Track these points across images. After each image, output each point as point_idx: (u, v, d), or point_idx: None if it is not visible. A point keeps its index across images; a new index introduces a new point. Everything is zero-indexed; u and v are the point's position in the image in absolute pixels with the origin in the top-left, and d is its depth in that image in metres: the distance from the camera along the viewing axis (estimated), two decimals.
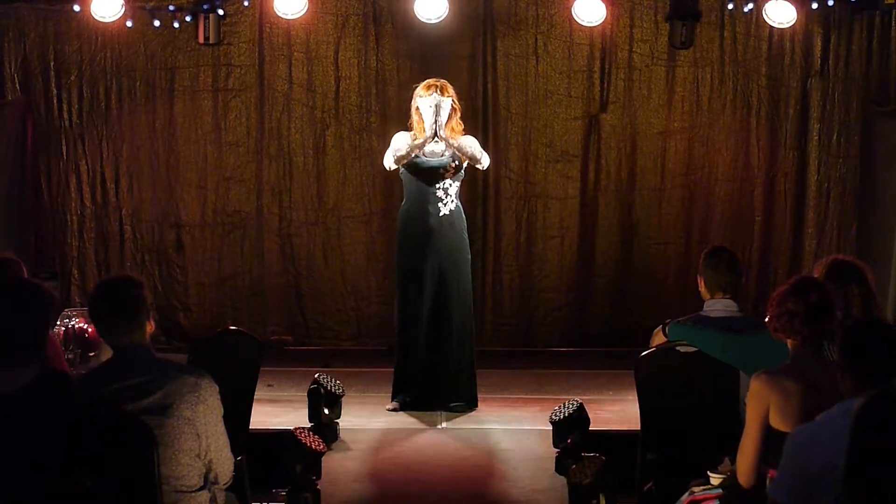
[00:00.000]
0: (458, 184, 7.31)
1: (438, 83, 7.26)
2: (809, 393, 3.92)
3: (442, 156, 7.26)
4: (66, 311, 6.43)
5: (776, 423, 3.96)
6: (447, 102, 7.25)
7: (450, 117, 7.27)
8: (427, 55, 9.09)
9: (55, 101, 9.21)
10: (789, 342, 4.16)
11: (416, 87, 7.34)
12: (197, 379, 3.94)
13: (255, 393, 5.31)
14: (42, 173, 9.26)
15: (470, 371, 7.37)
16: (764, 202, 9.38)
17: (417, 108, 7.27)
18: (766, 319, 4.21)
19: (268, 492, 5.53)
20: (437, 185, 7.24)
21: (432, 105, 7.19)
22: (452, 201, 7.29)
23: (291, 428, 5.80)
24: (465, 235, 7.42)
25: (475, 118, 9.06)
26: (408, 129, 7.38)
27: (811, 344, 4.11)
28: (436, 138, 7.21)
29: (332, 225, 9.38)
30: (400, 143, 7.28)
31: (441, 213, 7.27)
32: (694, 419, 4.99)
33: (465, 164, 7.34)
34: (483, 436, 6.87)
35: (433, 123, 7.16)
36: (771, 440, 3.95)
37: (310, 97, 9.30)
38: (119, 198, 9.31)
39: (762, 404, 4.00)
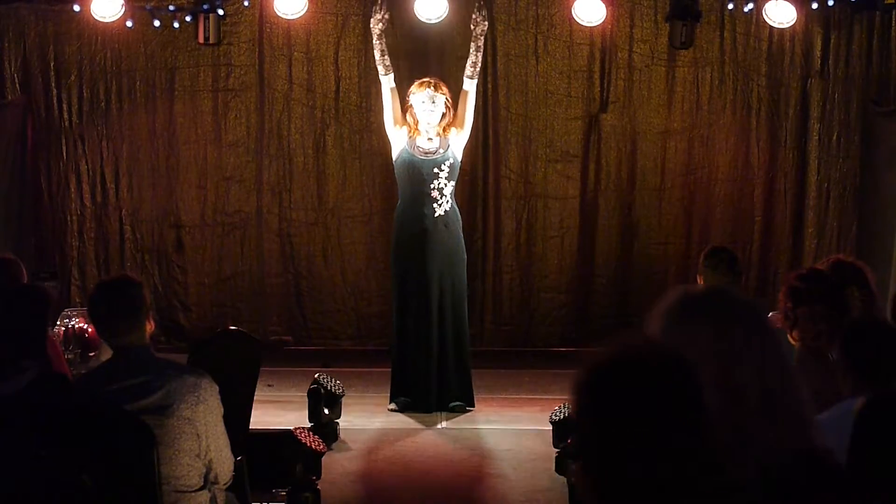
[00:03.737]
0: (453, 183, 7.29)
1: (432, 80, 7.30)
2: (814, 395, 3.91)
3: (436, 154, 7.26)
4: (66, 311, 6.42)
5: None
6: (440, 99, 7.26)
7: (443, 116, 7.28)
8: (427, 55, 9.09)
9: (55, 101, 9.21)
10: (797, 344, 4.14)
11: (411, 84, 7.37)
12: (197, 379, 3.94)
13: (255, 393, 5.31)
14: (42, 173, 9.26)
15: (467, 371, 7.38)
16: (764, 202, 9.38)
17: (411, 106, 7.29)
18: (782, 318, 4.19)
19: (268, 492, 5.53)
20: (432, 186, 7.23)
21: (425, 100, 7.22)
22: (448, 202, 7.27)
23: (291, 428, 5.80)
24: (461, 236, 7.40)
25: (475, 118, 9.03)
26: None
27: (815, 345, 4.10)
28: (429, 134, 7.21)
29: (332, 225, 9.38)
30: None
31: (436, 214, 7.25)
32: None
33: (459, 164, 7.34)
34: (483, 436, 6.88)
35: None
36: None
37: (310, 97, 9.30)
38: (119, 198, 9.31)
39: None
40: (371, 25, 7.41)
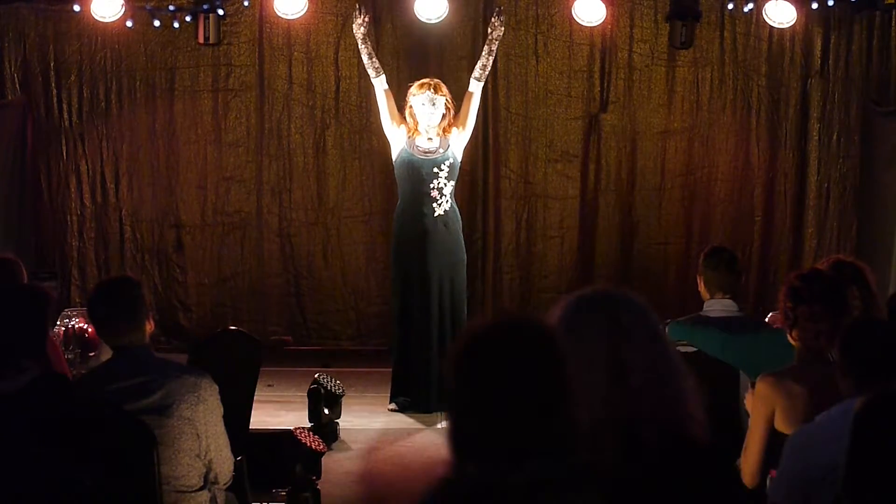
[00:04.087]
0: (452, 183, 7.29)
1: (432, 82, 7.29)
2: (814, 395, 3.91)
3: (436, 154, 7.25)
4: (66, 311, 6.42)
5: (781, 426, 3.95)
6: (441, 101, 7.26)
7: (443, 117, 7.27)
8: (427, 55, 9.09)
9: (55, 101, 9.20)
10: (797, 344, 4.14)
11: (411, 85, 7.36)
12: (197, 379, 3.94)
13: (255, 393, 5.31)
14: (42, 173, 9.25)
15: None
16: (764, 202, 9.37)
17: (411, 107, 7.28)
18: (782, 317, 4.18)
19: (268, 492, 5.53)
20: (432, 185, 7.22)
21: (425, 102, 7.21)
22: (447, 201, 7.26)
23: (291, 428, 5.80)
24: (461, 236, 7.40)
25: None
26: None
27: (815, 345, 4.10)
28: (429, 134, 7.22)
29: (332, 225, 9.38)
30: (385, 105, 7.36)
31: (435, 214, 7.24)
32: None
33: (459, 164, 7.33)
34: None
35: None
36: (775, 441, 3.94)
37: (310, 97, 9.30)
38: (119, 198, 9.31)
39: (768, 407, 3.99)
40: (354, 31, 7.42)
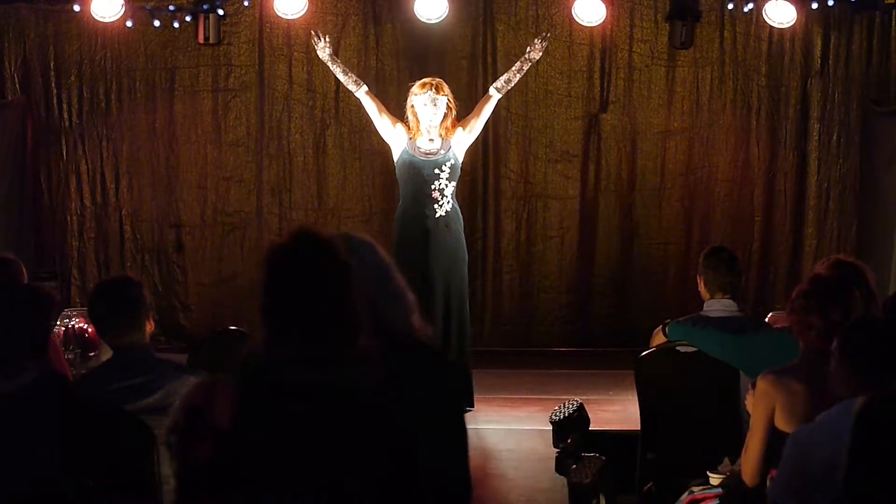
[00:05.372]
0: (454, 184, 7.28)
1: (434, 81, 7.26)
2: (815, 394, 3.91)
3: (437, 155, 7.24)
4: (66, 311, 6.42)
5: (781, 424, 3.95)
6: (442, 101, 7.24)
7: (445, 116, 7.26)
8: (427, 55, 9.09)
9: (55, 101, 9.20)
10: (801, 344, 4.14)
11: (412, 85, 7.35)
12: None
13: None
14: (42, 173, 9.26)
15: (467, 371, 7.36)
16: (764, 202, 9.38)
17: (413, 107, 7.27)
18: (787, 314, 4.19)
19: None
20: (433, 186, 7.21)
21: (427, 103, 7.20)
22: (449, 202, 7.25)
23: None
24: (462, 236, 7.39)
25: None
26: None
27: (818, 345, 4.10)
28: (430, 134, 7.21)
29: (332, 225, 9.37)
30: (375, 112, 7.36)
31: (437, 215, 7.23)
32: (694, 419, 4.99)
33: (460, 164, 7.33)
34: (483, 436, 6.87)
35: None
36: (775, 441, 3.94)
37: (310, 97, 9.30)
38: (119, 198, 9.31)
39: (768, 404, 4.00)
40: (319, 55, 7.42)
